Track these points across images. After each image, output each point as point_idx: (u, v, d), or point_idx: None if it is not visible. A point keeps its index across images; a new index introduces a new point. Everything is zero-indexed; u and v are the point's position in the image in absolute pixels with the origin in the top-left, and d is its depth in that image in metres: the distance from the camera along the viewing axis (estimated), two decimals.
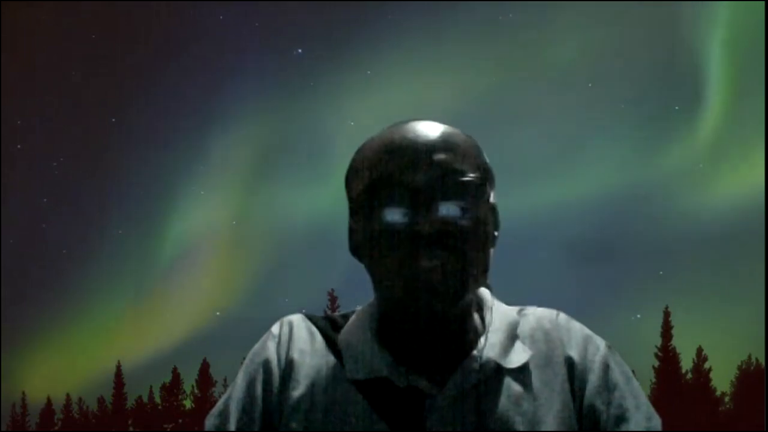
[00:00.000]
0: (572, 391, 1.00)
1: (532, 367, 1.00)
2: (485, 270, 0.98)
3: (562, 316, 1.06)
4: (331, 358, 1.01)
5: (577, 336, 1.03)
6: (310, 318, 1.07)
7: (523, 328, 1.03)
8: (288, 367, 1.01)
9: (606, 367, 1.01)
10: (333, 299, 36.44)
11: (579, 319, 1.06)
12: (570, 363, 1.01)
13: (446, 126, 0.98)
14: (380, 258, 0.94)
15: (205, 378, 40.14)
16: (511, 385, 0.98)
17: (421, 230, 0.91)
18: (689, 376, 35.87)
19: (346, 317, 1.07)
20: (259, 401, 1.00)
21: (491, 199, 1.00)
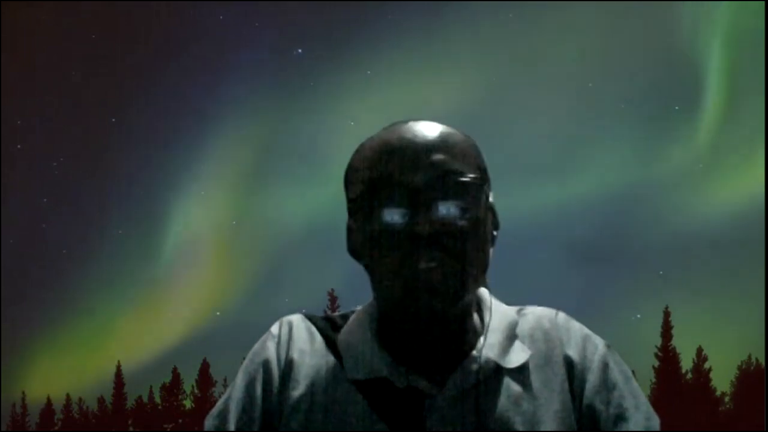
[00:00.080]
0: (571, 391, 1.00)
1: (531, 366, 1.00)
2: (484, 270, 0.99)
3: (561, 315, 1.06)
4: (331, 358, 1.01)
5: (576, 335, 1.03)
6: (310, 318, 1.07)
7: (523, 328, 1.03)
8: (288, 367, 1.01)
9: (605, 367, 1.01)
10: (333, 299, 36.43)
11: (579, 319, 1.06)
12: (569, 362, 1.01)
13: (445, 126, 0.99)
14: (380, 258, 0.94)
15: (205, 378, 40.13)
16: (511, 385, 0.98)
17: (420, 230, 0.91)
18: (689, 376, 35.86)
19: (345, 317, 1.07)
20: (259, 401, 1.00)
21: (490, 199, 1.00)
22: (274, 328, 1.05)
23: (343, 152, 1.03)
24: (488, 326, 1.01)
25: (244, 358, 1.05)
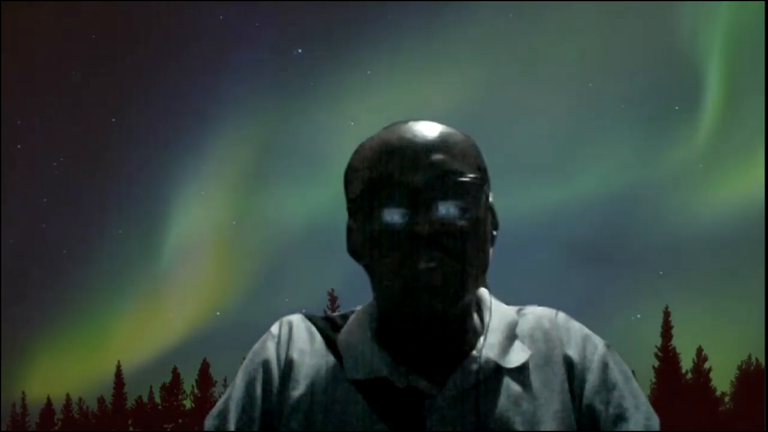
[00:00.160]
0: (571, 391, 1.00)
1: (531, 366, 1.00)
2: (484, 270, 0.99)
3: (561, 315, 1.06)
4: (331, 358, 1.01)
5: (576, 335, 1.03)
6: (310, 318, 1.07)
7: (522, 328, 1.03)
8: (288, 367, 1.01)
9: (605, 367, 1.01)
10: (333, 299, 36.43)
11: (579, 319, 1.06)
12: (569, 362, 1.01)
13: (445, 126, 0.99)
14: (380, 258, 0.94)
15: (205, 378, 40.13)
16: (511, 385, 0.98)
17: (420, 231, 0.91)
18: (689, 376, 35.86)
19: (345, 317, 1.07)
20: (259, 401, 1.00)
21: (490, 199, 1.00)
22: (274, 328, 1.05)
23: (343, 152, 1.03)
24: (488, 326, 1.01)
25: (244, 358, 1.05)
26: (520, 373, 0.99)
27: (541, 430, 0.96)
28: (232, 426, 1.00)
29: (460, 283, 0.93)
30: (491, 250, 1.00)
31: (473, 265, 0.95)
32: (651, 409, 1.01)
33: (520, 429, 0.95)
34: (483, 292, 1.05)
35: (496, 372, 0.98)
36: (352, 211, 1.00)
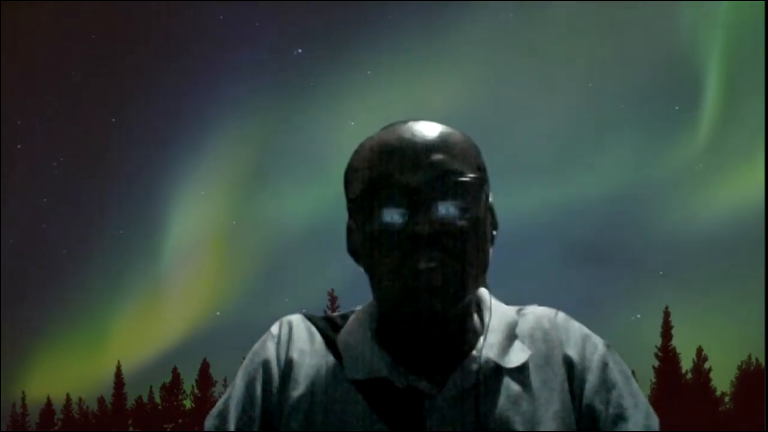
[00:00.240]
0: (571, 391, 1.00)
1: (531, 366, 1.00)
2: (484, 270, 0.99)
3: (561, 315, 1.06)
4: (331, 359, 1.01)
5: (575, 335, 1.03)
6: (310, 318, 1.07)
7: (522, 328, 1.03)
8: (287, 367, 1.01)
9: (604, 367, 1.01)
10: (333, 299, 36.42)
11: (579, 319, 1.06)
12: (569, 362, 1.01)
13: (444, 126, 0.99)
14: (379, 258, 0.94)
15: (205, 378, 40.12)
16: (511, 385, 0.98)
17: (420, 231, 0.91)
18: (689, 376, 35.85)
19: (345, 317, 1.07)
20: (259, 401, 1.00)
21: (489, 199, 1.00)
22: (274, 328, 1.05)
23: (343, 152, 1.03)
24: (488, 326, 1.01)
25: (244, 358, 1.05)
26: (520, 373, 0.99)
27: (541, 430, 0.96)
28: (232, 426, 1.00)
29: (460, 283, 0.93)
30: (491, 250, 1.00)
31: (473, 265, 0.95)
32: (651, 409, 1.01)
33: (520, 429, 0.95)
34: (483, 292, 1.05)
35: (496, 372, 0.98)
36: (352, 211, 1.00)
